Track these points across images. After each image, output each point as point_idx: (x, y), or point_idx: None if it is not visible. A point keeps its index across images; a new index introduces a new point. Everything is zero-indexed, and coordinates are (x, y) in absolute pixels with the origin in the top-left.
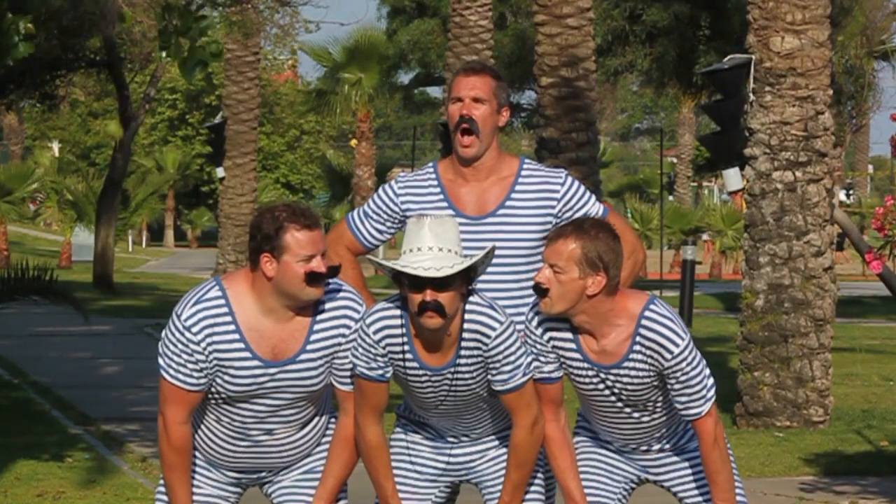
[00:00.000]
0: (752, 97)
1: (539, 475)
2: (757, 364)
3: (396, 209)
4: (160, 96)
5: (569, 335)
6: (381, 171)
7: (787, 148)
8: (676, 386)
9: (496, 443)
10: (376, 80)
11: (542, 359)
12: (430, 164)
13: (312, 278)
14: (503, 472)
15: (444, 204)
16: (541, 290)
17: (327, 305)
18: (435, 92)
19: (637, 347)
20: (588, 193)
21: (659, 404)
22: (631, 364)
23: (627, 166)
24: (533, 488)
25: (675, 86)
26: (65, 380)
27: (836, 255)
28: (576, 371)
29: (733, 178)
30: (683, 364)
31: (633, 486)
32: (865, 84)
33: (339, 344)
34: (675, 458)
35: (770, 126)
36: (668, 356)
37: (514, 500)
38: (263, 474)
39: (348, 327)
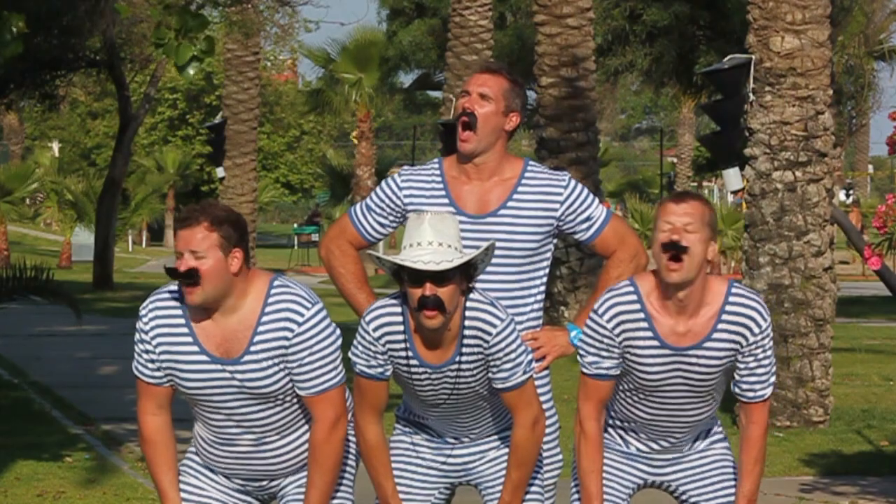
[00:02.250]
0: (752, 97)
1: (538, 475)
2: None
3: (399, 202)
4: (160, 96)
5: (643, 323)
6: (381, 170)
7: (787, 148)
8: (752, 364)
9: (496, 443)
10: (376, 80)
11: (604, 354)
12: (436, 160)
13: (171, 275)
14: (503, 472)
15: (446, 200)
16: (683, 248)
17: (273, 308)
18: (435, 93)
19: (722, 326)
20: (591, 197)
21: (714, 395)
22: (712, 343)
23: (627, 166)
24: (532, 489)
25: (674, 86)
26: (65, 380)
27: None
28: (643, 361)
29: (733, 177)
30: (766, 341)
31: (637, 489)
32: (865, 84)
33: (284, 346)
34: (694, 458)
35: (770, 126)
36: (757, 330)
37: (515, 499)
38: (265, 483)
39: (290, 330)
